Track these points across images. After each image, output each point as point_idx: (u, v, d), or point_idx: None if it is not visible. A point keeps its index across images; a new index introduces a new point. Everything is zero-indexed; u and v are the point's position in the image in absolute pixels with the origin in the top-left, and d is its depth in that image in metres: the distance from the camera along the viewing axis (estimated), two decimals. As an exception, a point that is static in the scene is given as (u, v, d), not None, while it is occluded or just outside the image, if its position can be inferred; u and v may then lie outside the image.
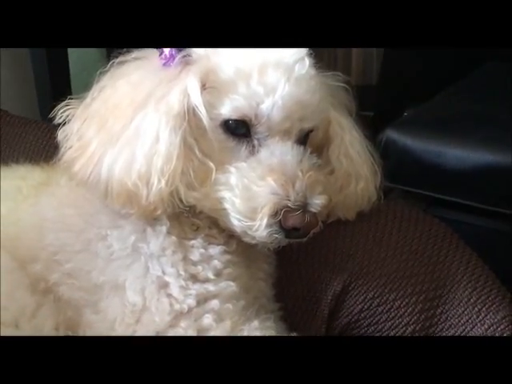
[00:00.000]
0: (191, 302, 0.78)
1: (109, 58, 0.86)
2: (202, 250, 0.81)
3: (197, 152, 0.80)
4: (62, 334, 0.79)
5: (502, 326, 0.82)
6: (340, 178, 0.89)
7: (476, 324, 0.83)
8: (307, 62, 0.80)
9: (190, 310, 0.78)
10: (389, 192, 1.37)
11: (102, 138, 0.80)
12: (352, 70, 2.66)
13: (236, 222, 0.79)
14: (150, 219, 0.81)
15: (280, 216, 0.76)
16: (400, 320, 0.85)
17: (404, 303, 0.85)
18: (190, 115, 0.79)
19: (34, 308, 0.81)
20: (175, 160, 0.77)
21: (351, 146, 0.90)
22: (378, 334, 0.86)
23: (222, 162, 0.80)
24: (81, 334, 0.80)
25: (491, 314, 0.83)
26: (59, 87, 1.79)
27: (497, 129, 1.35)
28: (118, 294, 0.80)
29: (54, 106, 0.86)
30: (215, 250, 0.82)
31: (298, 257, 0.91)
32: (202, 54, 0.81)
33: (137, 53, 0.84)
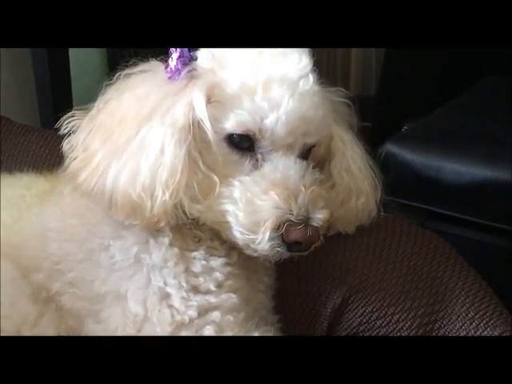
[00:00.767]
0: (192, 313, 0.79)
1: (110, 62, 0.87)
2: (204, 262, 0.82)
3: (201, 165, 0.81)
4: (63, 343, 0.80)
5: (500, 342, 0.82)
6: (341, 192, 0.90)
7: (474, 339, 0.84)
8: (311, 78, 0.81)
9: (191, 321, 0.78)
10: (387, 205, 1.38)
11: (107, 149, 0.81)
12: (351, 80, 2.68)
13: (239, 234, 0.79)
14: (153, 230, 0.82)
15: (282, 230, 0.77)
16: (398, 334, 0.86)
17: (403, 317, 0.86)
18: (194, 128, 0.80)
19: (35, 317, 0.81)
20: (180, 173, 0.78)
21: (353, 161, 0.91)
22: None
23: (226, 176, 0.81)
24: (82, 343, 0.81)
25: (489, 329, 0.84)
26: (60, 90, 1.79)
27: (496, 145, 1.36)
28: (119, 304, 0.81)
29: (55, 109, 0.87)
30: (217, 262, 0.83)
31: (297, 269, 0.92)
32: (207, 69, 0.82)
33: (143, 66, 0.86)
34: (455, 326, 0.85)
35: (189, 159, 0.80)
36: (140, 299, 0.80)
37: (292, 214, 0.77)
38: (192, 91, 0.81)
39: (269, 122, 0.79)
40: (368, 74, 2.65)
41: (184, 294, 0.79)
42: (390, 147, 1.38)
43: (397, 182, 1.38)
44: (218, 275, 0.82)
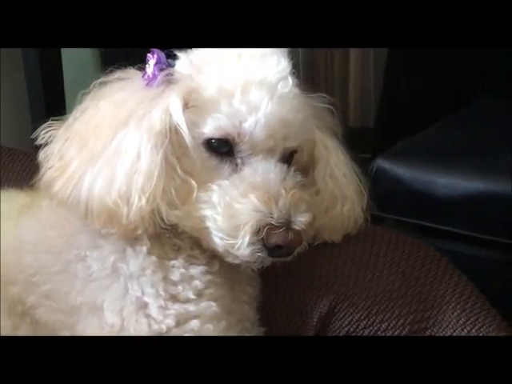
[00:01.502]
0: (170, 322, 0.76)
1: (103, 67, 0.86)
2: (183, 270, 0.79)
3: (178, 170, 0.79)
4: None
5: (493, 348, 0.79)
6: (326, 199, 0.87)
7: (465, 346, 0.80)
8: (290, 80, 0.80)
9: (168, 330, 0.76)
10: (380, 222, 1.36)
11: (83, 157, 0.79)
12: (349, 111, 2.67)
13: (218, 240, 0.77)
14: (131, 239, 0.79)
15: (263, 234, 0.75)
16: (388, 343, 0.83)
17: (391, 325, 0.83)
18: (172, 134, 0.79)
19: (10, 331, 0.79)
20: (156, 178, 0.76)
21: (337, 168, 0.89)
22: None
23: (205, 181, 0.79)
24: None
25: (481, 335, 0.81)
26: (52, 95, 1.77)
27: (487, 158, 1.35)
28: (95, 316, 0.78)
29: (47, 114, 0.86)
30: (196, 270, 0.80)
31: (282, 280, 0.89)
32: (185, 74, 0.81)
33: (119, 73, 0.84)
34: (446, 332, 0.82)
35: (166, 164, 0.78)
36: (116, 309, 0.77)
37: (272, 218, 0.75)
38: (169, 96, 0.80)
39: (248, 125, 0.77)
40: (367, 105, 2.65)
41: (162, 302, 0.77)
42: (381, 162, 1.36)
43: (389, 198, 1.36)
44: (197, 283, 0.79)
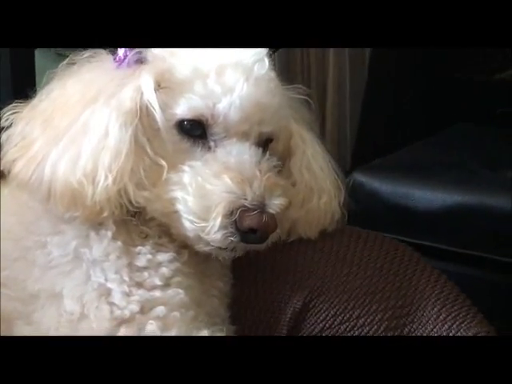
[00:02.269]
0: (134, 307, 0.71)
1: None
2: (150, 256, 0.75)
3: (149, 151, 0.75)
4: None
5: (474, 344, 0.75)
6: (302, 191, 0.84)
7: (446, 342, 0.76)
8: (267, 62, 0.78)
9: (132, 316, 0.71)
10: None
11: (48, 136, 0.75)
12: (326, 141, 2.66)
13: (188, 224, 0.73)
14: (96, 223, 0.75)
15: (236, 216, 0.71)
16: (365, 339, 0.78)
17: (369, 321, 0.79)
18: (142, 114, 0.76)
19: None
20: (124, 156, 0.73)
21: (314, 160, 0.86)
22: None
23: (176, 163, 0.75)
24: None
25: (462, 330, 0.77)
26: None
27: (464, 172, 1.34)
28: (54, 304, 0.73)
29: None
30: (164, 256, 0.76)
31: (255, 277, 0.85)
32: (157, 55, 0.78)
33: (89, 54, 0.81)
34: (426, 328, 0.78)
35: (135, 144, 0.74)
36: (76, 296, 0.72)
37: (246, 199, 0.72)
38: (140, 76, 0.77)
39: (222, 106, 0.75)
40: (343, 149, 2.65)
41: (126, 288, 0.72)
42: (357, 176, 1.33)
43: (366, 212, 1.33)
44: (164, 271, 0.75)
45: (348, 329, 0.79)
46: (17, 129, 0.78)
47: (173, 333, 0.71)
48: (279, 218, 0.74)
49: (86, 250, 0.74)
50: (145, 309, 0.72)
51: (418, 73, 1.99)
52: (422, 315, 0.79)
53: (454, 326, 0.78)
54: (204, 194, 0.72)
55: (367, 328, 0.79)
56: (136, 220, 0.77)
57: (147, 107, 0.76)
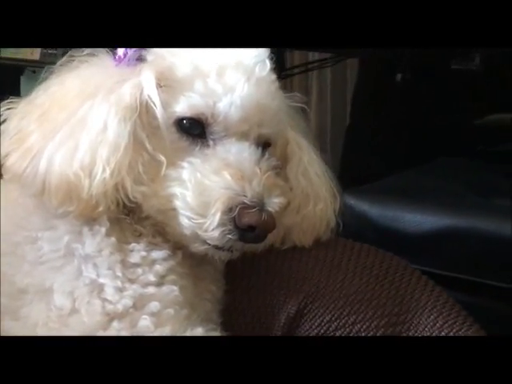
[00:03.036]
0: (127, 302, 0.69)
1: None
2: (144, 253, 0.73)
3: (147, 145, 0.74)
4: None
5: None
6: (298, 196, 0.83)
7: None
8: (268, 64, 0.78)
9: (125, 310, 0.69)
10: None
11: (44, 129, 0.74)
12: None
13: (186, 220, 0.72)
14: (90, 219, 0.73)
15: (235, 213, 0.70)
16: (360, 346, 0.77)
17: (364, 327, 0.77)
18: (141, 110, 0.75)
19: None
20: (123, 150, 0.72)
21: (310, 166, 0.86)
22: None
23: (174, 160, 0.74)
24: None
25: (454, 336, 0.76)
26: None
27: (453, 196, 1.34)
28: (43, 299, 0.71)
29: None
30: (158, 254, 0.74)
31: (248, 282, 0.83)
32: (158, 53, 0.78)
33: (88, 51, 0.81)
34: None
35: (134, 139, 0.74)
36: (67, 291, 0.70)
37: (245, 196, 0.71)
38: (140, 73, 0.76)
39: (222, 105, 0.74)
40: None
41: (119, 283, 0.70)
42: (347, 199, 1.33)
43: (355, 235, 1.32)
44: (158, 268, 0.73)
45: (343, 335, 0.77)
46: (12, 123, 0.77)
47: (166, 330, 0.69)
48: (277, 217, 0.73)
49: (79, 246, 0.72)
50: (138, 304, 0.70)
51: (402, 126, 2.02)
52: (419, 323, 0.78)
53: (451, 334, 0.76)
54: (203, 189, 0.71)
55: (363, 334, 0.77)
56: (130, 219, 0.76)
57: (147, 104, 0.75)
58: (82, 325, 0.68)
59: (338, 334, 0.78)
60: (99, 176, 0.70)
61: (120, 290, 0.70)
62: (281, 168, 0.84)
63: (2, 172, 0.76)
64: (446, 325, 0.77)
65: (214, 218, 0.70)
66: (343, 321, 0.78)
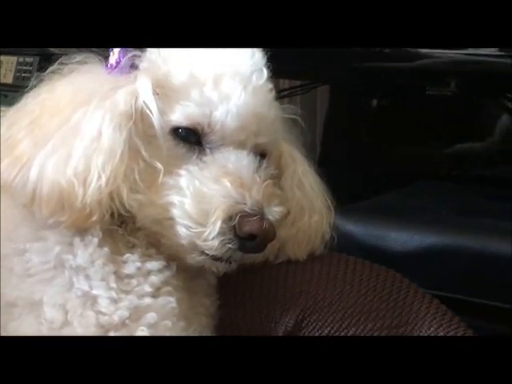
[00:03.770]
0: (123, 312, 0.67)
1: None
2: (138, 264, 0.71)
3: (143, 153, 0.72)
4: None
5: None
6: (293, 208, 0.82)
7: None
8: (265, 72, 0.77)
9: (121, 322, 0.66)
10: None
11: (35, 136, 0.72)
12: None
13: (184, 230, 0.70)
14: (82, 229, 0.71)
15: (235, 221, 0.68)
16: (360, 359, 0.75)
17: (364, 340, 0.75)
18: (137, 118, 0.73)
19: None
20: (118, 158, 0.70)
21: (305, 178, 0.85)
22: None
23: (171, 168, 0.73)
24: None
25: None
26: None
27: (438, 215, 1.34)
28: (32, 312, 0.68)
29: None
30: (153, 265, 0.72)
31: (243, 297, 0.81)
32: (152, 60, 0.77)
33: (80, 58, 0.79)
34: (423, 348, 0.75)
35: (129, 147, 0.72)
36: (58, 304, 0.68)
37: (246, 204, 0.69)
38: (135, 79, 0.75)
39: (218, 114, 0.73)
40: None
41: (114, 294, 0.68)
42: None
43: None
44: (154, 279, 0.71)
45: (343, 348, 0.75)
46: (1, 130, 0.75)
47: (164, 342, 0.66)
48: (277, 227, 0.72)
49: (70, 257, 0.70)
50: (134, 315, 0.67)
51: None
52: (419, 335, 0.76)
53: (453, 345, 0.75)
54: (202, 197, 0.69)
55: (363, 348, 0.75)
56: (122, 230, 0.73)
57: (142, 112, 0.73)
58: None
59: (337, 348, 0.75)
60: (94, 184, 0.68)
61: (115, 301, 0.67)
62: (277, 178, 0.83)
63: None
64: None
65: (214, 226, 0.68)
66: (342, 334, 0.76)
